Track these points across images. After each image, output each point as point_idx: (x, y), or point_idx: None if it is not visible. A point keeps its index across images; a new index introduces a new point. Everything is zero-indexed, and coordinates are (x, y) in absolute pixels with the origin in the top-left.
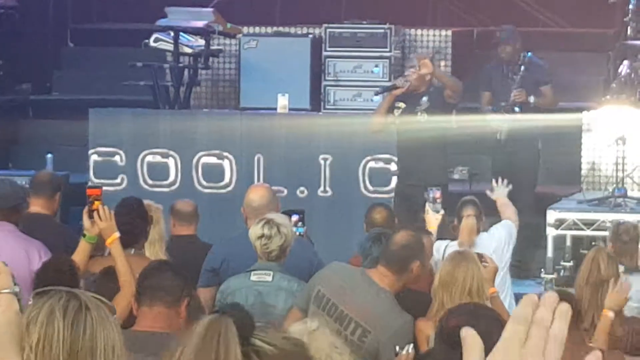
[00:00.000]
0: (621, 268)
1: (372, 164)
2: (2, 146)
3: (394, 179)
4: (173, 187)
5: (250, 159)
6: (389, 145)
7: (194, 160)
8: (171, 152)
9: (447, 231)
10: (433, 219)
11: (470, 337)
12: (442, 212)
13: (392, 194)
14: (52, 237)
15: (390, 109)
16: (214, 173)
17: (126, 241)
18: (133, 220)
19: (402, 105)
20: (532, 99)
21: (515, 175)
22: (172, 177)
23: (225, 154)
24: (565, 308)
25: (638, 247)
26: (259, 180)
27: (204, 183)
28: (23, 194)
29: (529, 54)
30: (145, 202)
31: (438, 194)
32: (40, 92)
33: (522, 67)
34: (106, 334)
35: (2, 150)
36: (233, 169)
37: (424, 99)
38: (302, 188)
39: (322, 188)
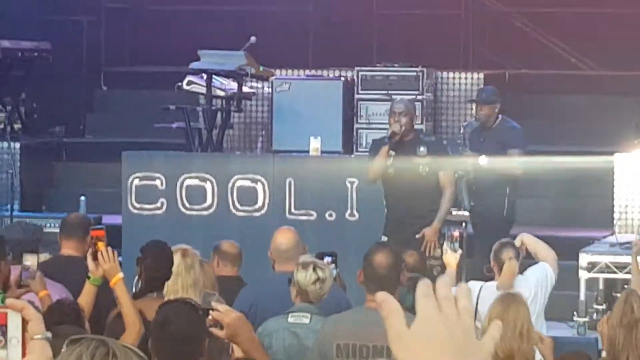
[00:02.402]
0: None
1: None
2: (36, 189)
3: None
4: (210, 211)
5: (282, 182)
6: None
7: (230, 183)
8: (208, 176)
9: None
10: (452, 258)
11: (388, 302)
12: (460, 251)
13: None
14: (83, 280)
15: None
16: (248, 196)
17: (153, 285)
18: (157, 264)
19: (392, 153)
20: (483, 160)
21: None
22: (209, 201)
23: (259, 177)
24: (464, 287)
25: None
26: (290, 204)
27: (239, 206)
28: (38, 236)
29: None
30: (182, 246)
31: (456, 233)
32: (74, 135)
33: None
34: None
35: (36, 193)
36: (266, 192)
37: (422, 149)
38: (330, 212)
39: (349, 211)
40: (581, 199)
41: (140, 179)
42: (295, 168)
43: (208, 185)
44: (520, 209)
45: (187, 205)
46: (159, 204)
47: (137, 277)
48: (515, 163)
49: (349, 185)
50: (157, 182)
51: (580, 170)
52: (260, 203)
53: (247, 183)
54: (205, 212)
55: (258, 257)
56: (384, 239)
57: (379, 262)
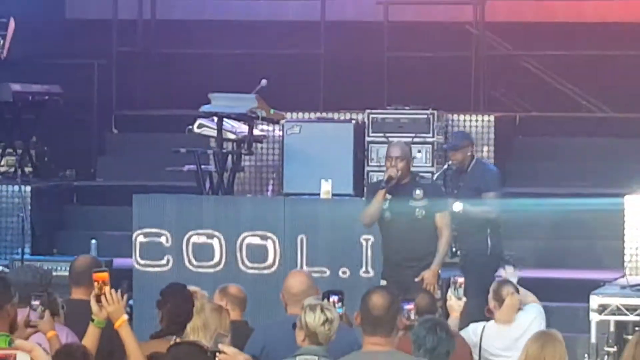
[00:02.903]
0: None
1: None
2: (47, 232)
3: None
4: (218, 268)
5: (294, 239)
6: None
7: (238, 241)
8: (216, 233)
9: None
10: (456, 305)
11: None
12: (464, 299)
13: None
14: None
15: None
16: (257, 253)
17: (174, 329)
18: (179, 306)
19: (388, 197)
20: (457, 206)
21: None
22: (217, 258)
23: (269, 234)
24: None
25: None
26: (302, 260)
27: (248, 264)
28: (48, 279)
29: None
30: (192, 288)
31: (461, 279)
32: (85, 178)
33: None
34: None
35: (47, 236)
36: (277, 250)
37: (418, 192)
38: (344, 269)
39: (364, 268)
40: (591, 241)
41: (145, 235)
42: (307, 221)
43: (216, 242)
44: (531, 250)
45: (194, 262)
46: (164, 261)
47: (159, 320)
48: (488, 206)
49: (363, 242)
50: (163, 239)
51: (591, 211)
52: (270, 260)
53: (257, 240)
54: (212, 270)
55: (270, 314)
56: (383, 282)
57: (374, 304)
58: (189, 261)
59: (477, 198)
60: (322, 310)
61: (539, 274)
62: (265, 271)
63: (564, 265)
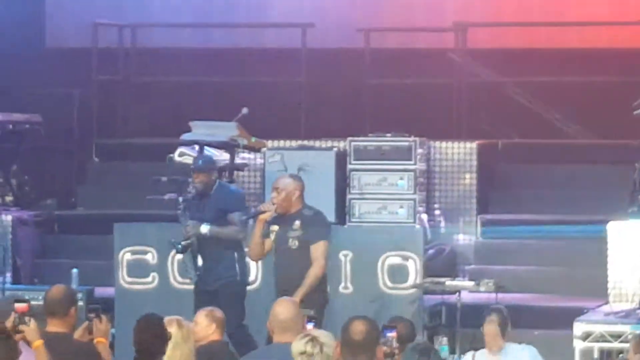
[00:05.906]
0: None
1: (391, 260)
2: (28, 261)
3: (411, 277)
4: None
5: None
6: (409, 242)
7: None
8: None
9: None
10: None
11: None
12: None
13: (411, 291)
14: (71, 356)
15: (266, 234)
16: None
17: (144, 357)
18: (151, 338)
19: (275, 228)
20: (204, 228)
21: None
22: None
23: None
24: None
25: None
26: None
27: None
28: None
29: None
30: (176, 317)
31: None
32: (65, 207)
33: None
34: None
35: (28, 266)
36: (258, 266)
37: (297, 222)
38: None
39: (343, 284)
40: (574, 268)
41: (132, 253)
42: None
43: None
44: (513, 277)
45: (179, 279)
46: (150, 278)
47: None
48: (236, 227)
49: (342, 258)
50: (149, 256)
51: (574, 238)
52: (252, 276)
53: None
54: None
55: (253, 328)
56: None
57: (355, 329)
58: (174, 278)
59: (222, 219)
60: (307, 342)
61: (521, 300)
62: (248, 287)
63: (546, 292)
